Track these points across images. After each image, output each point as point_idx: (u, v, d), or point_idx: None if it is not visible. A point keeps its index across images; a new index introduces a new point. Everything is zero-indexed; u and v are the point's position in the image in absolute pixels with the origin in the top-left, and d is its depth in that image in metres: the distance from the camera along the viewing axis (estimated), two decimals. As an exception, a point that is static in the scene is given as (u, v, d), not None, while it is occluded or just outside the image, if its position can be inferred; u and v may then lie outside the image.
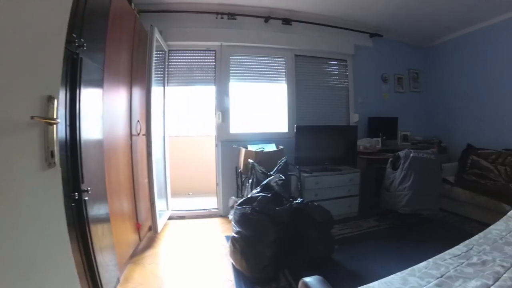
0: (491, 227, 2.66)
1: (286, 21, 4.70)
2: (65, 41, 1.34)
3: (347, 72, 5.38)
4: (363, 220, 4.32)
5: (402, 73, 6.07)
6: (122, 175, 2.75)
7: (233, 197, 3.83)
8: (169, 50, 4.33)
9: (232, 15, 4.44)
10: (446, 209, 4.57)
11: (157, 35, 3.63)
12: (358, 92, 5.43)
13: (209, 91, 4.69)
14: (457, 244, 2.31)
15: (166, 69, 4.30)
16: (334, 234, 3.55)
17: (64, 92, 1.58)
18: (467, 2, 4.43)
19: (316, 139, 4.59)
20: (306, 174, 4.11)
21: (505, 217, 2.93)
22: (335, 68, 5.35)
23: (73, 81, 1.68)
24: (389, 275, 1.79)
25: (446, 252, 2.12)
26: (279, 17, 4.66)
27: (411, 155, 3.98)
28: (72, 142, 1.67)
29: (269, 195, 2.89)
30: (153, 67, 3.46)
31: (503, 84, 4.96)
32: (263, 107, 4.91)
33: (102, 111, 2.13)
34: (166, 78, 4.27)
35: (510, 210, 3.07)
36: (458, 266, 1.89)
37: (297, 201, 3.04)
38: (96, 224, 1.88)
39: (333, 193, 4.26)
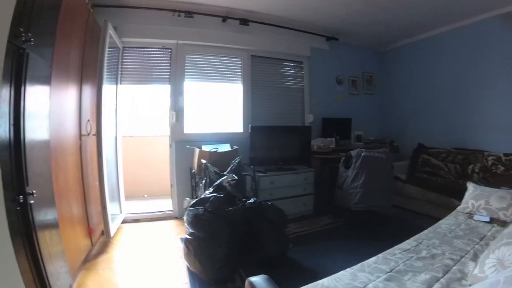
0: (441, 221, 2.88)
1: (244, 22, 4.77)
2: (8, 35, 1.32)
3: (303, 73, 5.57)
4: (318, 218, 4.50)
5: (357, 75, 6.37)
6: (71, 177, 2.68)
7: (187, 199, 3.88)
8: (123, 47, 4.24)
9: (189, 13, 4.41)
10: (399, 206, 4.86)
11: (110, 31, 3.56)
12: (313, 93, 5.63)
13: (164, 90, 4.63)
14: (409, 237, 2.46)
15: (120, 66, 4.21)
16: (289, 233, 3.70)
17: (8, 89, 1.52)
18: (419, 12, 4.77)
19: (271, 139, 4.71)
20: (260, 174, 4.24)
21: (454, 212, 3.17)
22: (291, 70, 5.52)
23: (18, 77, 1.61)
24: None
25: (396, 246, 2.23)
26: (237, 17, 4.71)
27: (363, 154, 4.19)
28: (16, 142, 1.60)
29: (222, 195, 2.94)
30: (105, 64, 3.38)
31: (452, 87, 5.40)
32: (218, 107, 4.95)
33: (49, 109, 2.07)
34: (119, 76, 4.19)
35: (459, 205, 3.35)
36: (407, 260, 1.99)
37: (250, 201, 3.10)
38: (43, 230, 1.83)
39: (288, 192, 4.42)
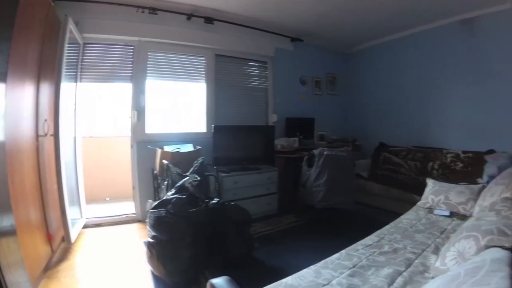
0: (402, 216, 3.01)
1: (209, 20, 4.76)
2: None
3: (267, 73, 5.67)
4: (283, 216, 4.61)
5: (320, 76, 6.54)
6: (28, 180, 2.57)
7: (150, 201, 3.85)
8: (84, 43, 4.08)
9: (153, 10, 4.33)
10: (361, 202, 5.07)
11: (71, 26, 3.43)
12: (277, 93, 5.74)
13: (126, 88, 4.53)
14: (374, 230, 2.57)
15: (80, 63, 4.06)
16: (255, 232, 3.75)
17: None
18: (384, 16, 4.98)
19: (235, 139, 4.76)
20: (224, 174, 4.29)
21: (414, 207, 3.35)
22: (255, 69, 5.60)
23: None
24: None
25: (359, 242, 2.32)
26: (202, 15, 4.69)
27: (325, 153, 4.33)
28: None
29: (184, 196, 2.93)
30: (65, 60, 3.27)
31: (412, 88, 5.72)
32: (181, 106, 4.92)
33: (4, 108, 1.99)
34: (79, 73, 4.05)
35: (420, 200, 3.54)
36: (370, 255, 2.06)
37: (213, 201, 3.10)
38: (0, 237, 1.78)
39: (252, 192, 4.49)
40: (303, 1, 4.39)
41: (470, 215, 2.79)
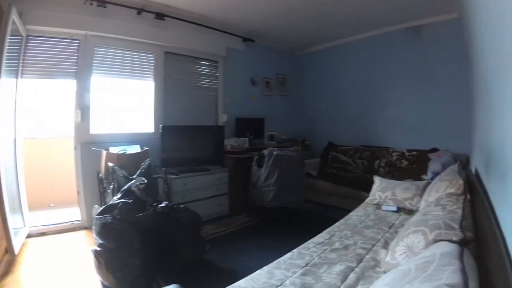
0: (351, 213, 3.15)
1: (160, 16, 4.68)
2: None
3: (217, 73, 5.68)
4: (235, 217, 4.68)
5: (271, 77, 6.67)
6: None
7: (96, 206, 3.70)
8: (27, 35, 3.79)
9: (102, 3, 4.15)
10: (312, 200, 5.28)
11: (14, 17, 3.19)
12: (227, 93, 5.78)
13: (69, 85, 4.25)
14: (324, 227, 2.65)
15: (22, 57, 3.76)
16: (206, 234, 3.80)
17: None
18: (334, 20, 5.22)
19: (184, 140, 4.73)
20: (173, 176, 4.26)
21: (363, 203, 3.52)
22: (206, 69, 5.58)
23: None
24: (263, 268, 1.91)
25: (310, 241, 2.38)
26: (153, 11, 4.58)
27: (275, 153, 4.44)
28: None
29: (131, 201, 2.87)
30: (5, 53, 3.04)
31: (360, 90, 6.05)
32: (128, 105, 4.74)
33: None
34: (21, 68, 3.74)
35: (368, 197, 3.73)
36: (322, 253, 2.12)
37: (161, 205, 3.07)
38: None
39: (202, 194, 4.50)
40: (256, 1, 4.46)
41: (417, 210, 2.95)
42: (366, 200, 3.57)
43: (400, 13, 4.92)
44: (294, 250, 2.19)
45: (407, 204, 3.20)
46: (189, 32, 5.07)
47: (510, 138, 1.31)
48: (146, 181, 3.22)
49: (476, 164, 2.94)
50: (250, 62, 6.19)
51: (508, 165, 1.36)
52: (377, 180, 3.72)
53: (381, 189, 3.52)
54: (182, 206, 3.29)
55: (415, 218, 2.11)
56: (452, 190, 2.28)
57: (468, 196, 2.20)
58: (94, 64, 4.30)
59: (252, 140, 5.72)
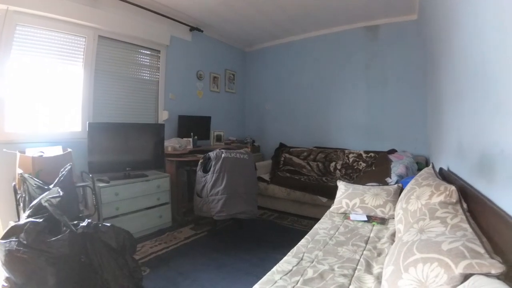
0: (316, 226, 2.71)
1: (94, -8, 3.98)
2: None
3: (159, 64, 5.04)
4: (178, 230, 4.15)
5: (219, 72, 6.25)
6: None
7: (11, 222, 2.89)
8: None
9: None
10: (264, 207, 4.97)
11: None
12: (169, 87, 5.20)
13: None
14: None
15: None
16: (144, 254, 3.30)
17: None
18: (286, 15, 5.02)
19: (116, 140, 4.02)
20: (102, 184, 3.57)
21: (327, 212, 3.11)
22: (146, 58, 4.92)
23: None
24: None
25: (274, 269, 1.87)
26: (86, -14, 3.88)
27: (223, 155, 3.97)
28: None
29: (41, 220, 2.25)
30: None
31: (313, 90, 5.92)
32: (52, 99, 3.89)
33: None
34: None
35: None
36: (293, 287, 1.65)
37: (82, 224, 2.45)
38: None
39: (139, 204, 3.90)
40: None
41: (390, 218, 2.78)
42: (331, 209, 3.18)
43: (358, 12, 4.88)
44: (256, 286, 1.67)
45: (378, 212, 2.89)
46: (129, 15, 4.43)
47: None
48: (61, 193, 2.56)
49: (451, 167, 2.71)
50: (197, 54, 5.69)
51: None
52: (341, 186, 3.32)
53: (347, 195, 3.13)
54: (108, 224, 2.63)
55: (410, 237, 1.57)
56: (441, 199, 1.93)
57: (465, 205, 1.85)
58: (13, 46, 3.47)
59: (196, 141, 5.24)
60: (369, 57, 5.28)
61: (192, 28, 5.36)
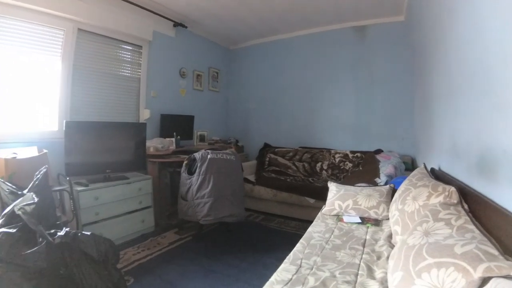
0: (310, 229, 2.62)
1: (74, -17, 3.72)
2: None
3: (141, 60, 4.82)
4: (162, 235, 3.95)
5: (202, 70, 6.08)
6: None
7: None
8: None
9: None
10: (250, 208, 4.84)
11: None
12: (151, 84, 4.99)
13: None
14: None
15: None
16: (127, 262, 3.11)
17: None
18: (273, 13, 4.95)
19: (95, 140, 3.75)
20: (80, 188, 3.33)
21: (319, 215, 3.02)
22: (127, 54, 4.67)
23: None
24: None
25: (273, 279, 1.75)
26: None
27: (209, 156, 3.81)
28: None
29: (14, 231, 2.04)
30: None
31: (299, 89, 5.88)
32: (27, 95, 3.58)
33: None
34: None
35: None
36: None
37: (60, 233, 2.23)
38: None
39: (120, 209, 3.69)
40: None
41: (384, 219, 2.75)
42: (323, 211, 3.09)
43: (346, 12, 4.87)
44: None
45: (372, 214, 2.84)
46: (109, 8, 4.21)
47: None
48: (36, 199, 2.33)
49: (443, 167, 2.68)
50: (180, 51, 5.49)
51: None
52: (333, 187, 3.23)
53: (339, 197, 3.05)
54: (88, 233, 2.42)
55: (416, 240, 1.50)
56: (440, 199, 1.88)
57: (466, 206, 1.78)
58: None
59: (179, 141, 5.04)
60: (356, 57, 5.27)
61: (176, 24, 5.16)
